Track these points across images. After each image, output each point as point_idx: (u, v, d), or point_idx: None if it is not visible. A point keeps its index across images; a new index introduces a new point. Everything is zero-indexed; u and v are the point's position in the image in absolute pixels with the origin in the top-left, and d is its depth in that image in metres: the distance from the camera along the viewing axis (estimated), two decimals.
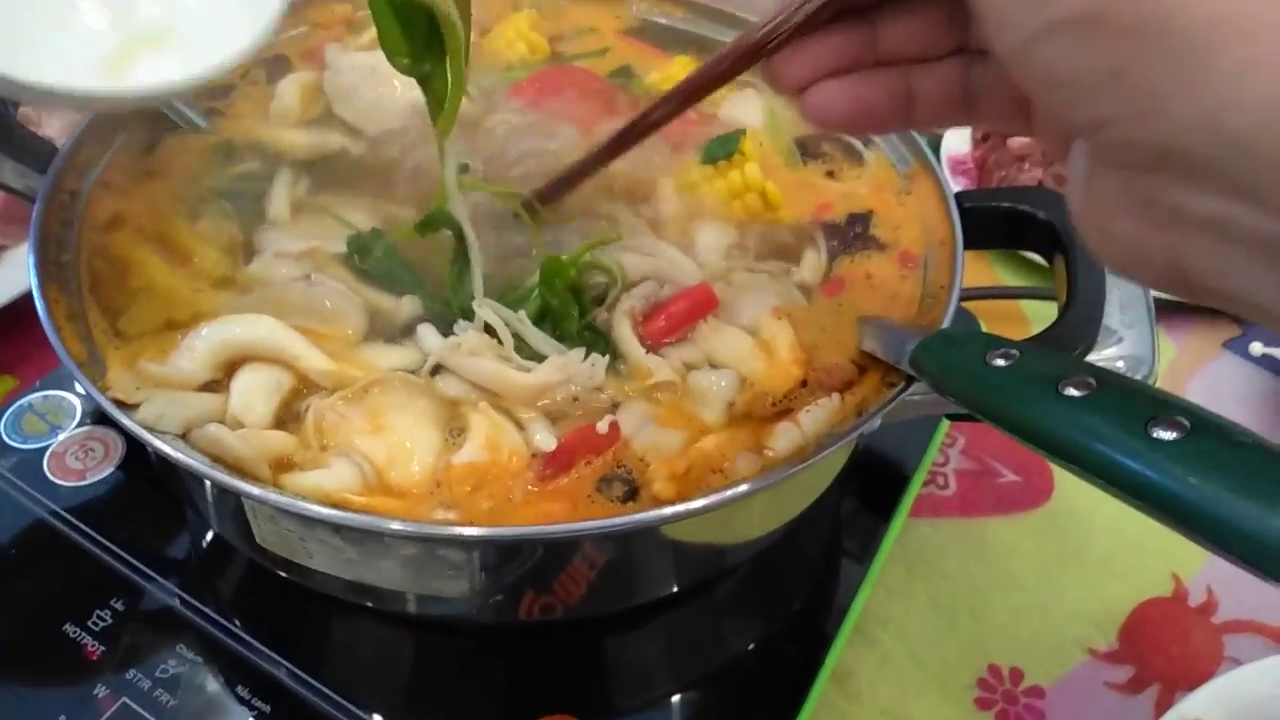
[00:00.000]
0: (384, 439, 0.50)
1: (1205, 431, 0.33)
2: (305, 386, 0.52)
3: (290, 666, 0.59)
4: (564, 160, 0.58)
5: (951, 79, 0.42)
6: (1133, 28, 0.29)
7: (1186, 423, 0.33)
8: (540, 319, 0.55)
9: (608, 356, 0.53)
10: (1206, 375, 0.90)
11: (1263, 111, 0.28)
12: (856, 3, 0.40)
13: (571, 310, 0.55)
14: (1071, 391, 0.37)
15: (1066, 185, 0.37)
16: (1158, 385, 0.58)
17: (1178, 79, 0.29)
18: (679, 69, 0.72)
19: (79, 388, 0.73)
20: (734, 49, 0.44)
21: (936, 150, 1.07)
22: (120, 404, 0.48)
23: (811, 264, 0.61)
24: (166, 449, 0.46)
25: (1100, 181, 0.34)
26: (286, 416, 0.51)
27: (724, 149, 0.64)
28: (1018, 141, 1.05)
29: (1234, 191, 0.29)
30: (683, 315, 0.56)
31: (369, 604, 0.57)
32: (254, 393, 0.50)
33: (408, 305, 0.56)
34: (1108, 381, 0.37)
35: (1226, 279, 0.32)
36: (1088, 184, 0.35)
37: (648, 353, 0.54)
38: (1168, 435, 0.33)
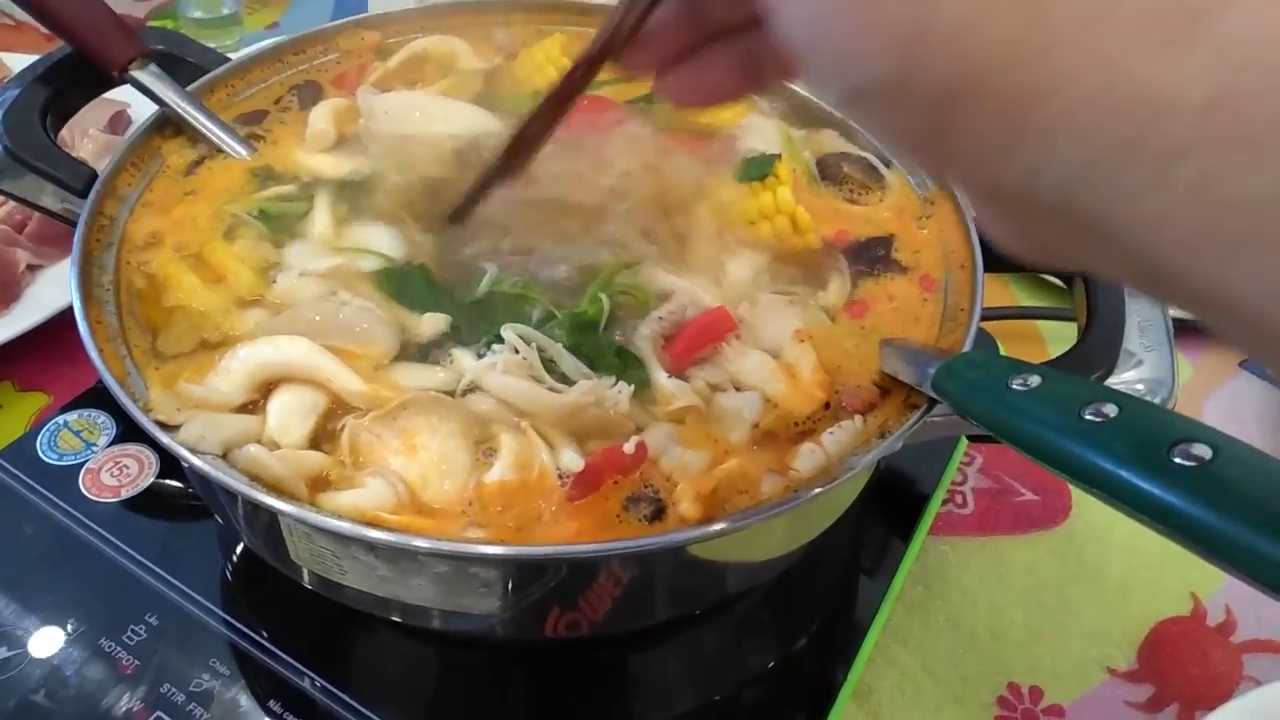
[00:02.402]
0: (417, 458, 0.51)
1: (1228, 458, 0.34)
2: (339, 407, 0.53)
3: (320, 680, 0.61)
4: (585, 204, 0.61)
5: None
6: (939, 100, 0.29)
7: (1209, 449, 0.34)
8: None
9: (633, 386, 0.54)
10: (1223, 395, 0.90)
11: (1075, 169, 0.28)
12: None
13: (600, 342, 0.56)
14: (1094, 417, 0.38)
15: None
16: (1175, 405, 0.59)
17: (993, 143, 0.29)
18: None
19: (113, 405, 0.74)
20: (582, 59, 0.46)
21: None
22: (162, 425, 0.49)
23: (836, 288, 0.62)
24: (209, 470, 0.48)
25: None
26: (321, 436, 0.52)
27: (759, 170, 0.65)
28: None
29: (1083, 230, 0.30)
30: (701, 338, 0.57)
31: (397, 619, 0.58)
32: (290, 414, 0.52)
33: (437, 324, 0.57)
34: (1130, 407, 0.38)
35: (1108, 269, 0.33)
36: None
37: (671, 377, 0.55)
38: (1190, 461, 0.34)
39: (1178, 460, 0.34)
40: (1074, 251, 0.32)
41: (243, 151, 0.67)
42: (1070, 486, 0.79)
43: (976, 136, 0.29)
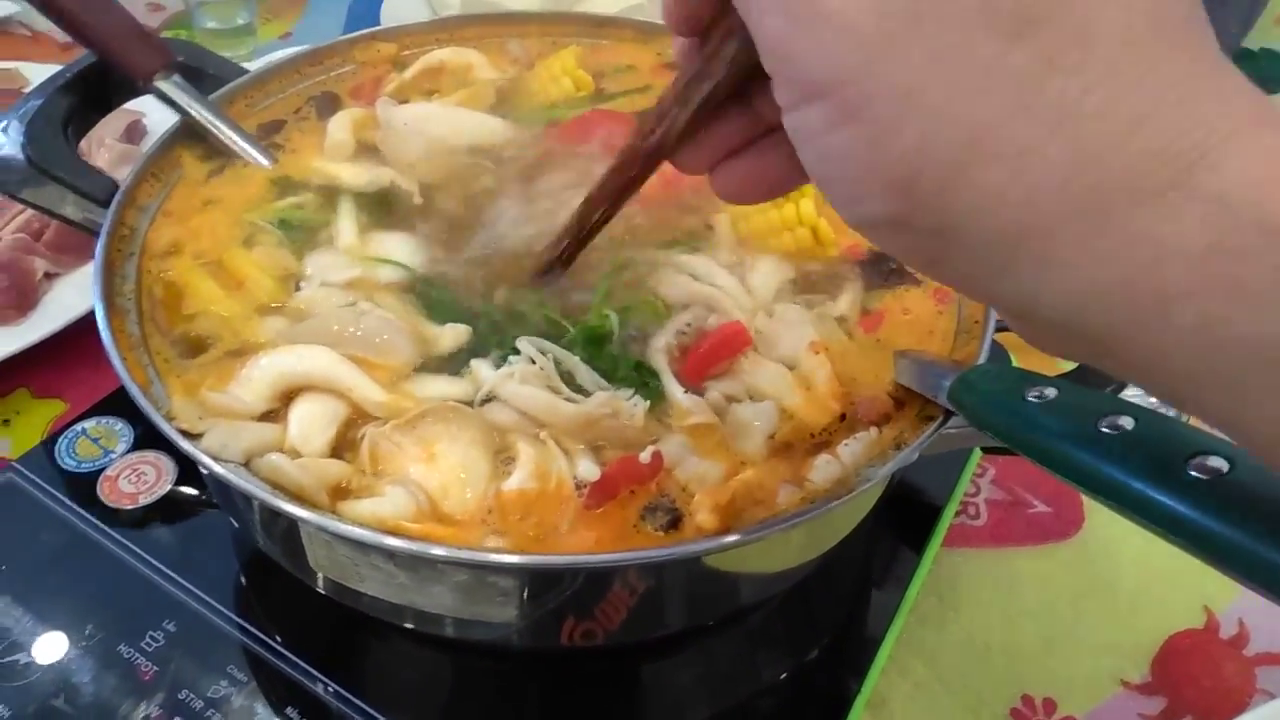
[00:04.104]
0: (436, 467, 0.51)
1: (1244, 470, 0.34)
2: (360, 416, 0.54)
3: (336, 687, 0.61)
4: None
5: None
6: (937, 231, 0.31)
7: (1225, 462, 0.34)
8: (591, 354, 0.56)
9: (649, 402, 0.54)
10: None
11: (1070, 299, 0.30)
12: (729, 91, 0.40)
13: (617, 360, 0.56)
14: (1110, 429, 0.38)
15: None
16: (1190, 419, 0.59)
17: (990, 271, 0.31)
18: None
19: (130, 412, 0.75)
20: (633, 157, 0.44)
21: None
22: (185, 433, 0.50)
23: (848, 299, 0.62)
24: (232, 478, 0.48)
25: None
26: (342, 445, 0.53)
27: None
28: None
29: (1094, 345, 0.31)
30: (717, 354, 0.57)
31: (413, 626, 0.58)
32: (312, 423, 0.52)
33: (458, 336, 0.58)
34: (1146, 419, 0.38)
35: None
36: None
37: (686, 392, 0.55)
38: (1206, 474, 0.34)
39: (1194, 473, 0.34)
40: (1090, 360, 0.33)
41: (265, 161, 0.68)
42: (1083, 498, 0.80)
43: (971, 264, 0.32)
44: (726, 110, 0.41)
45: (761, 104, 0.40)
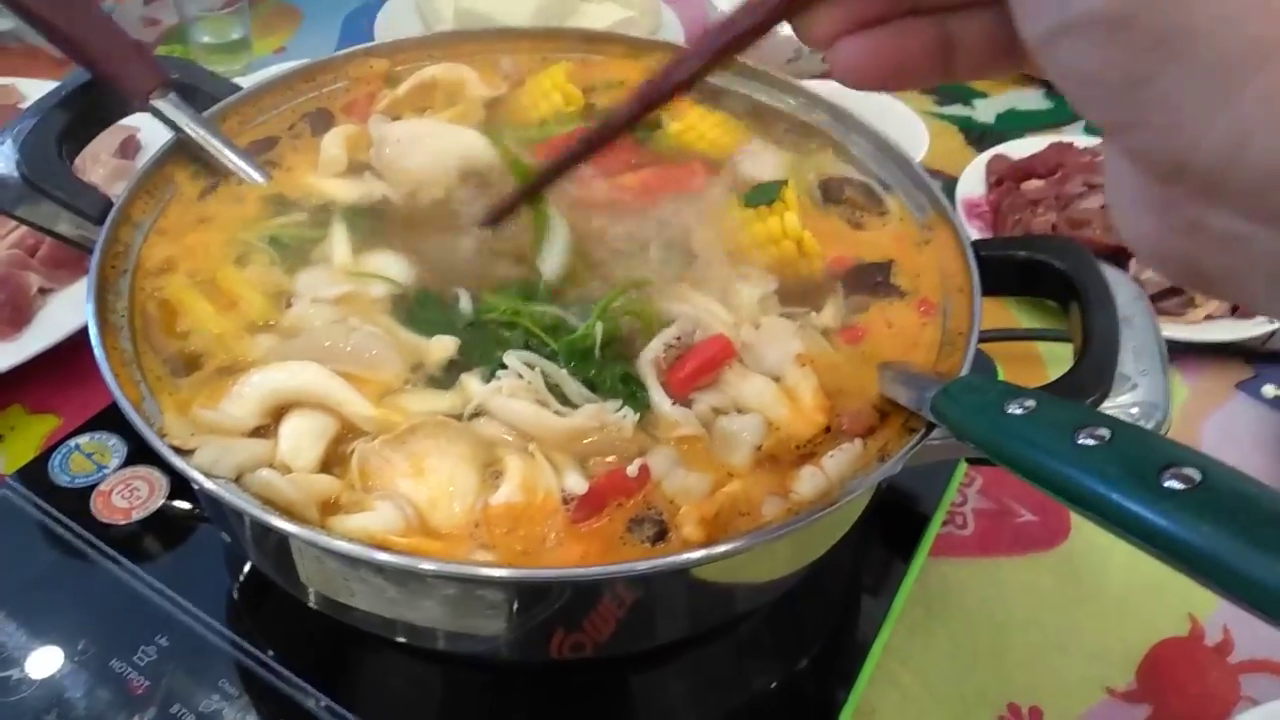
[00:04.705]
0: (425, 481, 0.52)
1: (1216, 482, 0.35)
2: (349, 431, 0.54)
3: (328, 701, 0.61)
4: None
5: (994, 27, 0.38)
6: (1162, 39, 0.27)
7: (1198, 473, 0.35)
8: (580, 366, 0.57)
9: (638, 414, 0.55)
10: (1220, 417, 0.91)
11: None
12: None
13: (603, 370, 0.57)
14: (1087, 441, 0.39)
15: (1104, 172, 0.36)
16: (1172, 427, 0.60)
17: (1205, 97, 0.27)
18: (706, 124, 0.75)
19: (124, 427, 0.75)
20: (753, 3, 0.39)
21: (952, 194, 1.10)
22: (177, 450, 0.50)
23: (831, 311, 0.63)
24: (223, 494, 0.49)
25: (1125, 177, 0.33)
26: (332, 460, 0.53)
27: (766, 195, 0.67)
28: (1032, 185, 1.07)
29: (1254, 213, 0.28)
30: (703, 369, 0.58)
31: (404, 640, 0.59)
32: (302, 438, 0.53)
33: (445, 349, 0.58)
34: (1122, 431, 0.39)
35: (1243, 291, 0.32)
36: (1115, 175, 0.34)
37: (674, 404, 0.56)
38: (1180, 485, 0.35)
39: (1168, 483, 0.35)
40: (1225, 261, 0.30)
41: (261, 179, 0.69)
42: None
43: (1187, 88, 0.27)
44: None
45: None
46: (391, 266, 0.63)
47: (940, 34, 0.38)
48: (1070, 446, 0.39)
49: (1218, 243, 0.30)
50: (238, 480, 0.50)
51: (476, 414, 0.55)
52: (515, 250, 0.64)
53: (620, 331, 0.59)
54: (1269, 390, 0.92)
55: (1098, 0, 0.28)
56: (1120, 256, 0.97)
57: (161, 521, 0.70)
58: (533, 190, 0.57)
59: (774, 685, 0.67)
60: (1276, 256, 0.29)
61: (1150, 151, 0.30)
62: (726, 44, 0.41)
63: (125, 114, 0.73)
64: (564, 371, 0.56)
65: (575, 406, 0.55)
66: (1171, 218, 0.31)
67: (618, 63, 0.83)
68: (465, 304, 0.61)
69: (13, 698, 0.61)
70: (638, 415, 0.55)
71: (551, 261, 0.62)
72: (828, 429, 0.56)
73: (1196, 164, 0.28)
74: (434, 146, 0.70)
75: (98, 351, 0.54)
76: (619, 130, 0.47)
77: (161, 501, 0.71)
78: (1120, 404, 0.57)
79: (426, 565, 0.47)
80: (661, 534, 0.51)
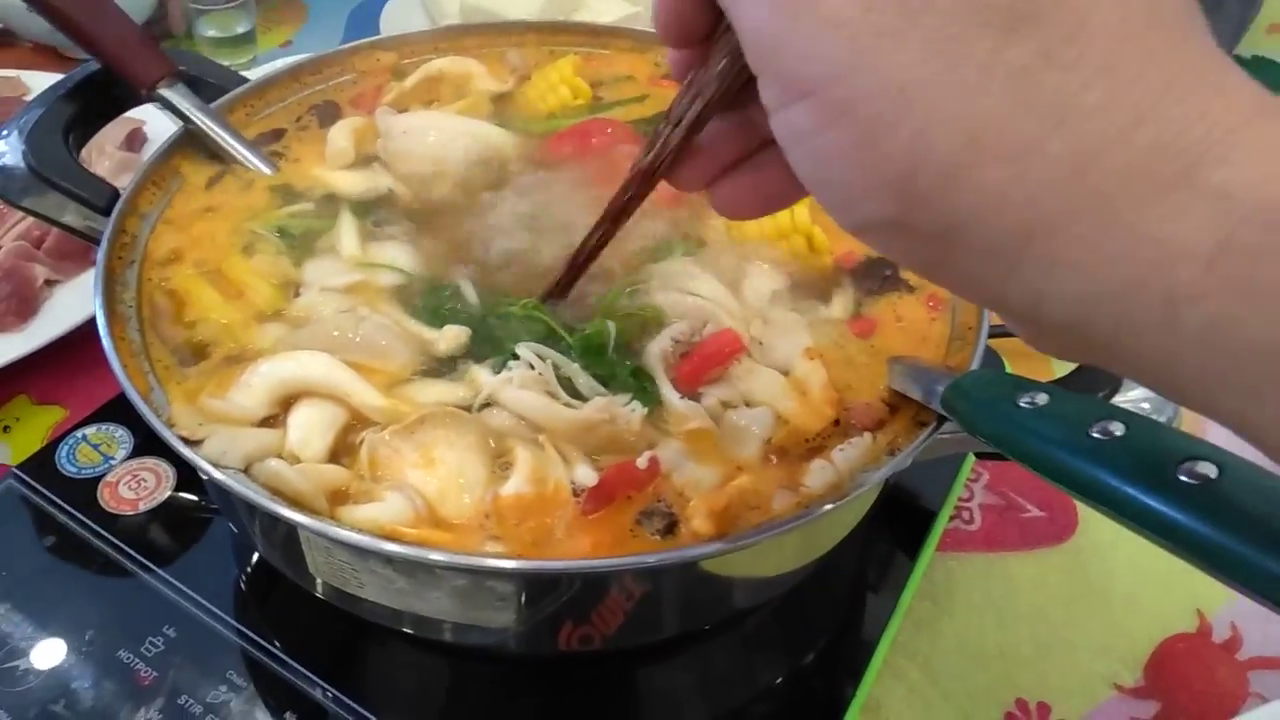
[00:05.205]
0: (434, 472, 0.52)
1: (1233, 475, 0.34)
2: (358, 421, 0.54)
3: (335, 692, 0.61)
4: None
5: None
6: (938, 234, 0.30)
7: (1214, 468, 0.34)
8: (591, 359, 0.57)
9: (647, 410, 0.55)
10: None
11: (1076, 302, 0.29)
12: (723, 106, 0.40)
13: (615, 366, 0.57)
14: (1101, 435, 0.39)
15: None
16: (1181, 424, 0.59)
17: (991, 271, 0.30)
18: None
19: (131, 418, 0.75)
20: (631, 177, 0.45)
21: None
22: (185, 440, 0.50)
23: (840, 304, 0.63)
24: (232, 484, 0.48)
25: None
26: (341, 450, 0.53)
27: None
28: None
29: (1099, 350, 0.31)
30: (711, 362, 0.57)
31: (411, 631, 0.59)
32: (311, 428, 0.53)
33: (457, 338, 0.58)
34: (1136, 425, 0.39)
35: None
36: None
37: (682, 398, 0.56)
38: (1196, 479, 0.34)
39: (1184, 478, 0.35)
40: (1097, 362, 0.32)
41: (267, 169, 0.69)
42: (1076, 503, 0.80)
43: (974, 266, 0.31)
44: (722, 125, 0.40)
45: (755, 112, 0.39)
46: (399, 257, 0.63)
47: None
48: (1084, 440, 0.39)
49: (1081, 351, 0.33)
50: (246, 470, 0.50)
51: (486, 405, 0.55)
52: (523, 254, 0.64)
53: (632, 327, 0.59)
54: None
55: (873, 210, 0.31)
56: None
57: (169, 512, 0.70)
58: (586, 261, 0.56)
59: (781, 680, 0.67)
60: (1139, 378, 0.31)
61: (973, 301, 0.35)
62: (616, 223, 0.50)
63: (132, 105, 0.73)
64: (575, 364, 0.56)
65: (585, 400, 0.55)
66: (1028, 333, 0.34)
67: (624, 56, 0.83)
68: (471, 295, 0.61)
69: (20, 688, 0.61)
70: (647, 409, 0.55)
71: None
72: (837, 422, 0.56)
73: (1008, 310, 0.32)
74: (441, 138, 0.70)
75: (106, 342, 0.54)
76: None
77: (169, 492, 0.71)
78: (1131, 399, 0.57)
79: (436, 556, 0.47)
80: (671, 527, 0.51)
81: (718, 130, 0.41)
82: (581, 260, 0.54)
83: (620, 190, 0.47)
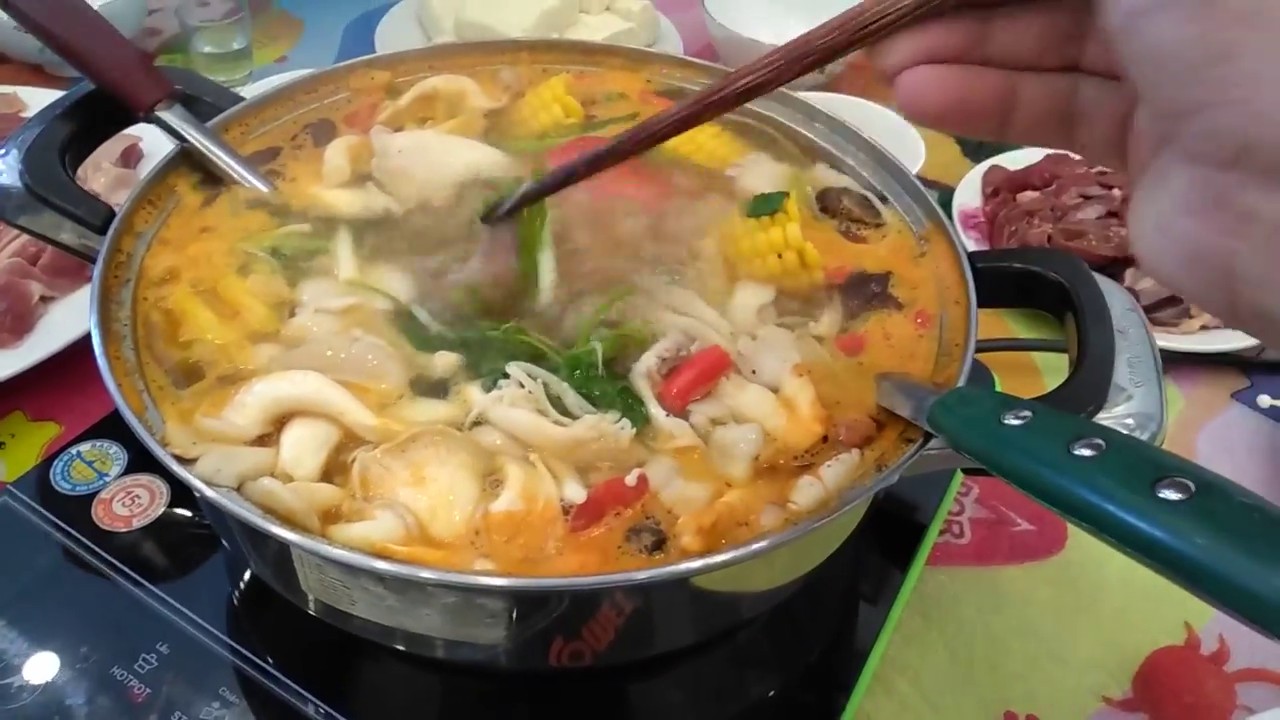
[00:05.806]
0: (425, 490, 0.52)
1: (1209, 493, 0.35)
2: (351, 440, 0.55)
3: (327, 708, 0.62)
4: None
5: (1058, 95, 0.40)
6: (1248, 14, 0.29)
7: (1191, 484, 0.35)
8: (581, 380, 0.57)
9: (636, 428, 0.55)
10: (1216, 426, 0.91)
11: None
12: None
13: (604, 384, 0.57)
14: (1082, 452, 0.39)
15: (1131, 184, 0.37)
16: (1168, 437, 0.60)
17: None
18: (704, 135, 0.75)
19: (125, 435, 0.76)
20: (843, 22, 0.41)
21: (948, 205, 1.11)
22: (179, 459, 0.51)
23: (828, 320, 0.63)
24: (225, 503, 0.49)
25: (1172, 178, 0.34)
26: (333, 469, 0.54)
27: (768, 206, 0.67)
28: (1027, 196, 1.08)
29: None
30: (699, 380, 0.58)
31: (403, 648, 0.59)
32: (303, 447, 0.53)
33: (448, 363, 0.59)
34: (1116, 443, 0.39)
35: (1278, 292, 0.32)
36: (1158, 180, 0.35)
37: (669, 415, 0.56)
38: (1173, 496, 0.35)
39: (1162, 494, 0.35)
40: (1269, 256, 0.31)
41: (264, 188, 0.69)
42: None
43: (1269, 60, 0.29)
44: (957, 11, 0.38)
45: (999, 22, 0.38)
46: (394, 277, 0.63)
47: (1007, 89, 0.40)
48: (1065, 457, 0.40)
49: (1266, 235, 0.31)
50: (239, 489, 0.51)
51: (477, 423, 0.55)
52: (510, 270, 0.64)
53: (620, 346, 0.60)
54: (1264, 400, 0.93)
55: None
56: (1115, 268, 0.97)
57: (162, 529, 0.71)
58: (538, 195, 0.57)
59: (772, 694, 0.67)
60: None
61: (1219, 133, 0.31)
62: (805, 61, 0.43)
63: (129, 125, 0.74)
64: (565, 383, 0.56)
65: (575, 418, 0.55)
66: (1218, 215, 0.32)
67: (617, 74, 0.84)
68: (464, 315, 0.61)
69: (13, 705, 0.61)
70: (635, 428, 0.55)
71: (545, 279, 0.63)
72: (825, 439, 0.56)
73: (1265, 140, 0.30)
74: (436, 158, 0.71)
75: (101, 361, 0.55)
76: (659, 137, 0.49)
77: (162, 509, 0.72)
78: (1115, 415, 0.58)
79: (426, 574, 0.47)
80: (660, 543, 0.52)
81: (947, 19, 0.39)
82: (645, 136, 0.50)
83: (820, 32, 0.41)
